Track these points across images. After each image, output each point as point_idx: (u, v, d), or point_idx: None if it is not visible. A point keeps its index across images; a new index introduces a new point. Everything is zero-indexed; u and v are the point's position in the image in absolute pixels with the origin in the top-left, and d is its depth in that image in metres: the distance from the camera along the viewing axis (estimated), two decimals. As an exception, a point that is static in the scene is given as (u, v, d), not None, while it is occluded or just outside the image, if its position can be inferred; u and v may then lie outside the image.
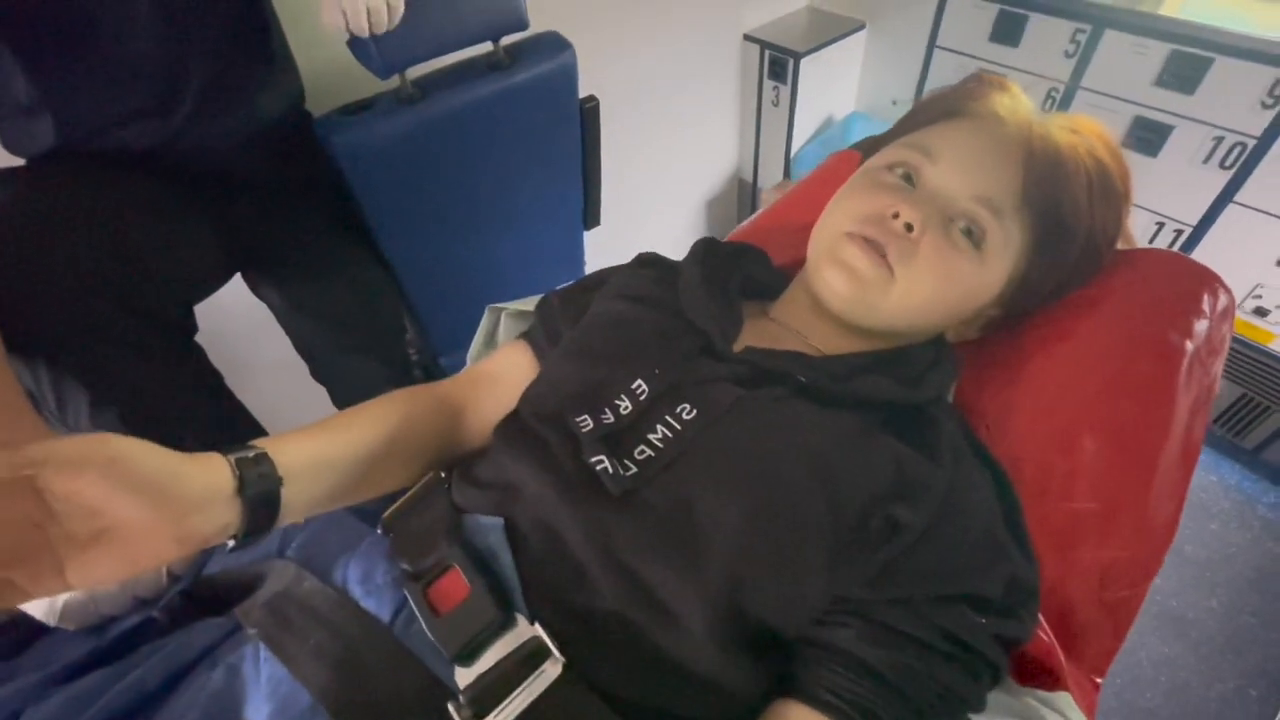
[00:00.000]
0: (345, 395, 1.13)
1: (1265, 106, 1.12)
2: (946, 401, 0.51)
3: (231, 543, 0.38)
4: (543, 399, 0.47)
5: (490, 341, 0.71)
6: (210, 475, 0.36)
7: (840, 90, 1.77)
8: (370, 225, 1.00)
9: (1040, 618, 0.41)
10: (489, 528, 0.40)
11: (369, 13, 0.75)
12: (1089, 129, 0.49)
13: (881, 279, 0.46)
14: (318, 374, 1.10)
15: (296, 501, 0.41)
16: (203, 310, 0.88)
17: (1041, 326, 0.52)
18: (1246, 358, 1.31)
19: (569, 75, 1.01)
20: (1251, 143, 1.15)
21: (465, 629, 0.36)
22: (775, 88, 1.70)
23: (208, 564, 0.50)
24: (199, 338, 0.86)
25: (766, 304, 0.57)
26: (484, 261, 1.22)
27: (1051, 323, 0.52)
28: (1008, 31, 1.39)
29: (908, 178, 0.49)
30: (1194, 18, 1.17)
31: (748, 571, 0.38)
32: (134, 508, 0.32)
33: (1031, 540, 0.42)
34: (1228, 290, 0.51)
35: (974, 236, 0.46)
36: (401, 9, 0.78)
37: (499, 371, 0.57)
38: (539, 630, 0.36)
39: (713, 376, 0.44)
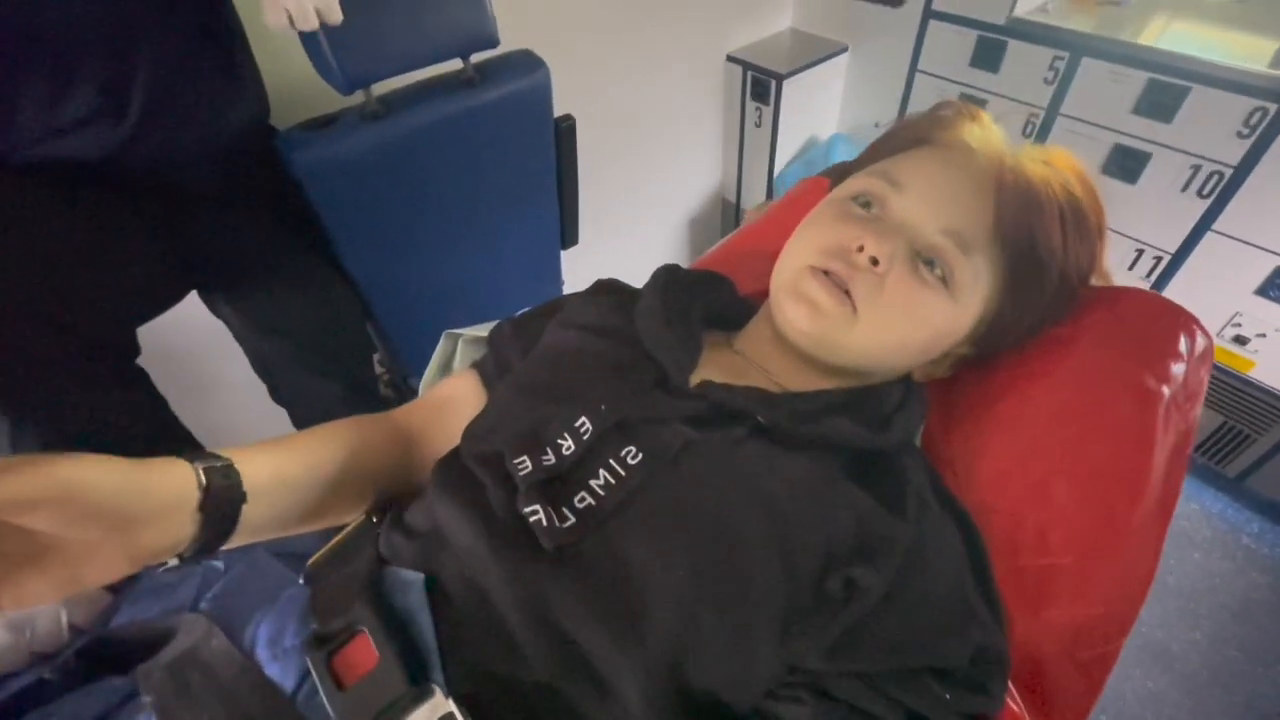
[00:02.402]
0: (307, 417, 1.10)
1: (1241, 136, 1.12)
2: (913, 446, 0.48)
3: (175, 561, 0.34)
4: (482, 437, 0.44)
5: (446, 368, 0.67)
6: (174, 484, 0.33)
7: (823, 112, 1.77)
8: (334, 243, 0.96)
9: (1010, 684, 0.38)
10: (409, 584, 0.37)
11: (319, 12, 0.72)
12: (1062, 161, 0.47)
13: (844, 316, 0.44)
14: (277, 395, 1.06)
15: (254, 521, 0.37)
16: (160, 328, 0.84)
17: (1013, 366, 0.50)
18: (1227, 386, 1.31)
19: (542, 93, 0.99)
20: (1229, 171, 1.15)
21: (370, 704, 0.33)
22: (758, 109, 1.70)
23: (116, 615, 0.46)
24: (156, 358, 0.82)
25: (731, 335, 0.54)
26: (457, 281, 1.19)
27: (1023, 363, 0.50)
28: (987, 57, 1.40)
29: (870, 207, 0.47)
30: (1172, 47, 1.18)
31: (693, 640, 0.34)
32: (87, 531, 0.29)
33: (1001, 599, 0.39)
34: (1205, 332, 0.49)
35: (941, 272, 0.44)
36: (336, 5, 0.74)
37: (448, 402, 0.54)
38: (453, 707, 0.33)
39: (665, 414, 0.41)
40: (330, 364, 1.03)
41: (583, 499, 0.37)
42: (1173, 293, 1.31)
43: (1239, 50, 1.15)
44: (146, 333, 0.87)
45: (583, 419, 0.40)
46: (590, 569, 0.36)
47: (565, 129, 1.10)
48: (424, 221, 1.04)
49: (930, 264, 0.44)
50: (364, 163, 0.89)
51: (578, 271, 1.45)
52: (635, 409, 0.41)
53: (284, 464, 0.41)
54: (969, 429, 0.49)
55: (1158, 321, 0.48)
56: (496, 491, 0.39)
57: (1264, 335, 1.22)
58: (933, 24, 1.47)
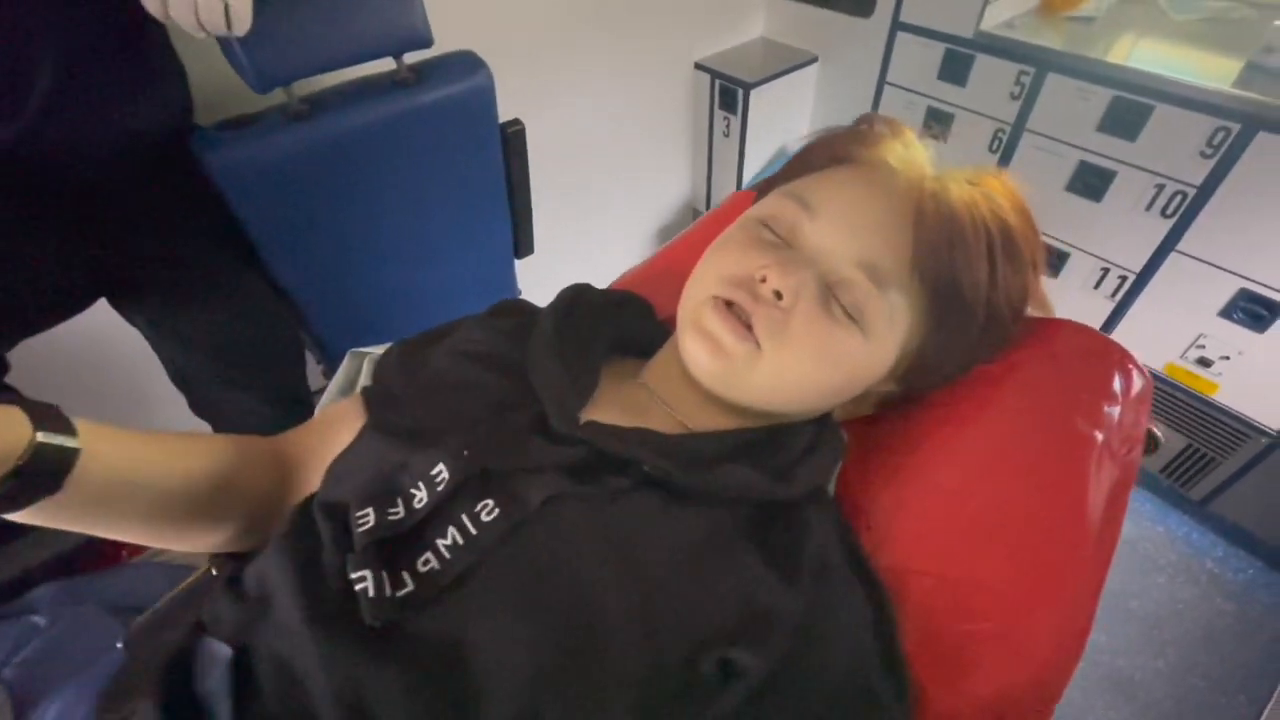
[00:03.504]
0: (231, 430, 1.03)
1: (1205, 155, 1.10)
2: (826, 495, 0.43)
3: None
4: (334, 481, 0.39)
5: (350, 390, 0.62)
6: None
7: (792, 122, 1.74)
8: (260, 250, 0.91)
9: (920, 771, 0.34)
10: (216, 663, 0.32)
11: (228, 10, 0.67)
12: (994, 185, 0.43)
13: (747, 354, 0.39)
14: (197, 407, 1.00)
15: (84, 491, 0.34)
16: (82, 336, 0.78)
17: (935, 407, 0.46)
18: (1191, 409, 1.29)
19: (484, 96, 0.94)
20: (1192, 191, 1.13)
21: None
22: (726, 118, 1.67)
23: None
24: (80, 368, 0.76)
25: (642, 364, 0.50)
26: (401, 292, 1.14)
27: (949, 403, 0.45)
28: (954, 71, 1.37)
29: (775, 233, 0.42)
30: (1139, 64, 1.16)
31: None
32: None
33: (910, 676, 0.35)
34: (1143, 372, 0.45)
35: (852, 309, 0.40)
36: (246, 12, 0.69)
37: (329, 431, 0.49)
38: None
39: (539, 462, 0.37)
40: (253, 375, 0.97)
41: (427, 562, 0.33)
42: (1137, 313, 1.29)
43: (1204, 69, 1.13)
44: (69, 341, 0.81)
45: (440, 467, 0.35)
46: (420, 651, 0.31)
47: (513, 134, 1.05)
48: (361, 228, 0.98)
49: (841, 299, 0.40)
50: (288, 165, 0.83)
51: (542, 282, 1.40)
52: (504, 455, 0.36)
53: (138, 450, 0.38)
54: (887, 478, 0.45)
55: (1091, 360, 0.44)
56: (331, 550, 0.34)
57: (1227, 358, 1.20)
58: (901, 36, 1.44)
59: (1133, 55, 1.22)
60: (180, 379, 0.96)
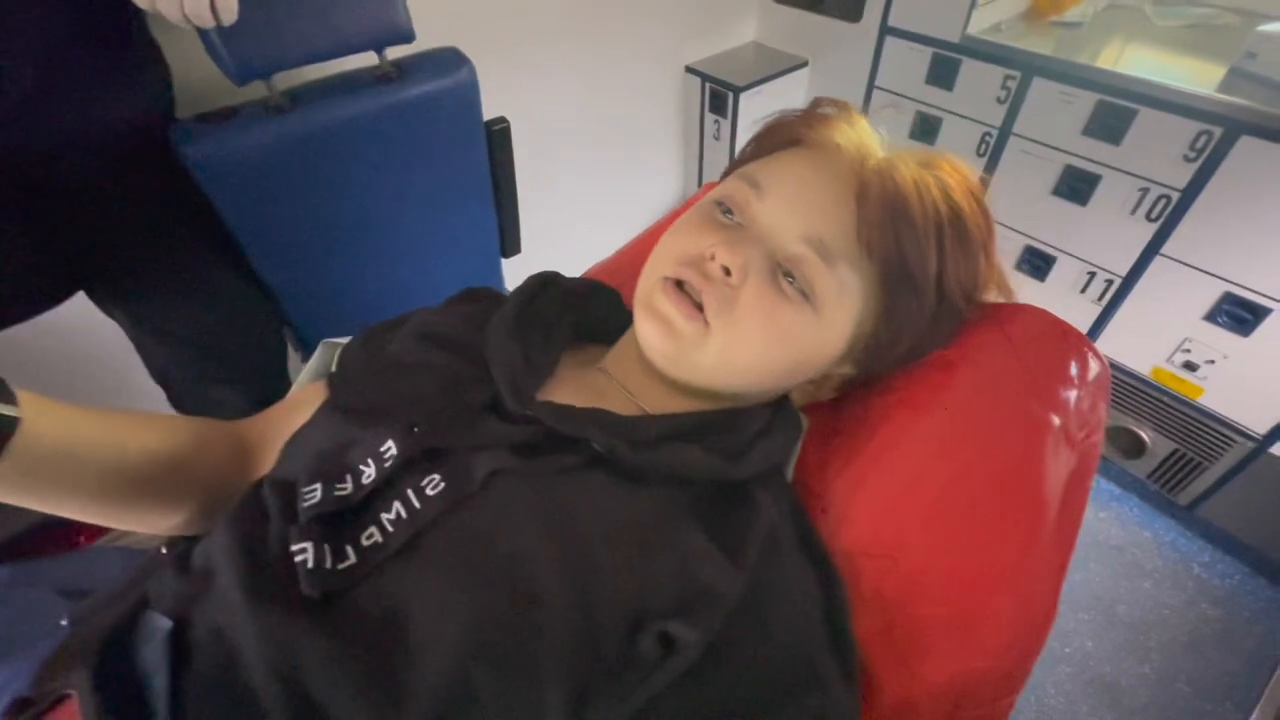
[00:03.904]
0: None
1: (1188, 159, 1.10)
2: (782, 479, 0.43)
3: None
4: (286, 459, 0.39)
5: (319, 378, 0.62)
6: None
7: (783, 126, 1.74)
8: (241, 244, 0.91)
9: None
10: (154, 635, 0.31)
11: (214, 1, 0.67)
12: (946, 167, 0.43)
13: (696, 332, 0.39)
14: (177, 403, 0.99)
15: (12, 477, 0.34)
16: (59, 330, 0.78)
17: (891, 392, 0.45)
18: (1177, 413, 1.28)
19: (467, 93, 0.95)
20: (1176, 195, 1.13)
21: None
22: (716, 121, 1.68)
23: None
24: (58, 360, 0.76)
25: (605, 351, 0.50)
26: (386, 289, 1.14)
27: (906, 386, 0.45)
28: (942, 75, 1.38)
29: (731, 214, 0.42)
30: (1125, 69, 1.17)
31: (464, 709, 0.29)
32: None
33: (861, 659, 0.34)
34: (1099, 357, 0.45)
35: (802, 285, 0.40)
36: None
37: (290, 415, 0.49)
38: None
39: (490, 440, 0.37)
40: (234, 371, 0.97)
41: (370, 535, 0.32)
42: (1123, 317, 1.29)
43: (1188, 74, 1.14)
44: (47, 334, 0.81)
45: (389, 443, 0.35)
46: (358, 622, 0.31)
47: (498, 132, 1.05)
48: (343, 225, 0.98)
49: (791, 276, 0.40)
50: (268, 159, 0.83)
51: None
52: (454, 433, 0.36)
53: (85, 424, 0.37)
54: (844, 462, 0.44)
55: (1047, 344, 0.44)
56: (278, 524, 0.34)
57: (1213, 362, 1.20)
58: (889, 40, 1.45)
59: (1119, 61, 1.22)
60: (160, 375, 0.96)
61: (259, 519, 0.35)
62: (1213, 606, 1.30)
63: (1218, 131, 1.06)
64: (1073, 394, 0.42)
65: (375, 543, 0.32)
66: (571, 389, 0.44)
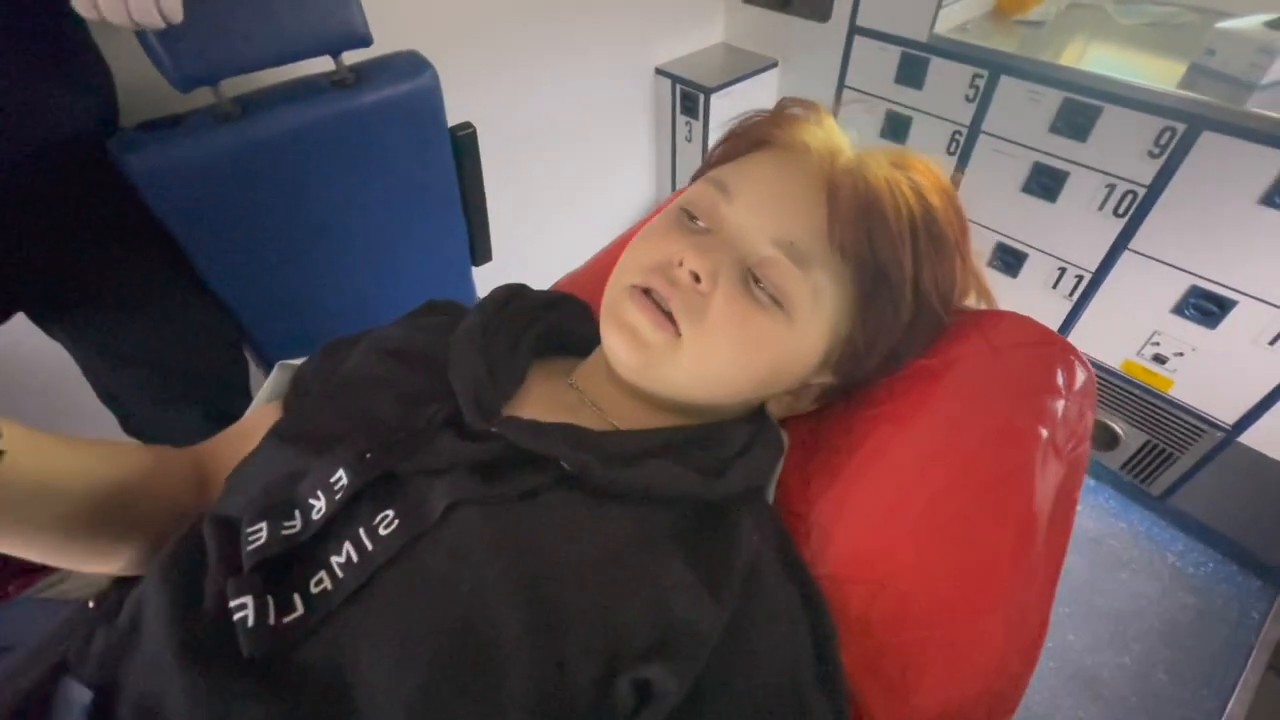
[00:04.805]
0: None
1: (1153, 155, 1.11)
2: (764, 500, 0.41)
3: None
4: (230, 492, 0.36)
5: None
6: None
7: (755, 127, 1.74)
8: (192, 259, 0.86)
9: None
10: (71, 708, 0.28)
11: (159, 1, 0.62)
12: (918, 166, 0.41)
13: (666, 342, 0.37)
14: (129, 426, 0.94)
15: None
16: None
17: (874, 405, 0.44)
18: (1148, 405, 1.30)
19: (429, 98, 0.91)
20: (1142, 191, 1.15)
21: None
22: (688, 123, 1.66)
23: None
24: None
25: (575, 365, 0.47)
26: (351, 300, 1.10)
27: (890, 399, 0.44)
28: (911, 74, 1.38)
29: (697, 220, 0.40)
30: (1088, 67, 1.18)
31: None
32: None
33: (851, 692, 0.32)
34: (1085, 365, 0.43)
35: (771, 289, 0.38)
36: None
37: (243, 441, 0.45)
38: None
39: (448, 461, 0.34)
40: (191, 392, 0.92)
41: (319, 581, 0.30)
42: (1094, 312, 1.31)
43: (1150, 72, 1.15)
44: None
45: (339, 472, 0.32)
46: (303, 682, 0.28)
47: (464, 138, 1.02)
48: (302, 236, 0.94)
49: (761, 281, 0.38)
50: (217, 169, 0.79)
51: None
52: (409, 455, 0.34)
53: (54, 454, 0.35)
54: (827, 480, 0.43)
55: (1032, 353, 0.43)
56: (216, 572, 0.30)
57: (1181, 354, 1.22)
58: (858, 40, 1.45)
59: (1081, 58, 1.24)
60: (109, 397, 0.91)
61: (196, 563, 0.32)
62: (1188, 595, 1.32)
63: (1181, 128, 1.07)
64: (1060, 404, 0.40)
65: (324, 590, 0.30)
66: (539, 404, 0.41)
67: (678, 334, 0.37)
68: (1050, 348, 0.43)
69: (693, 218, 0.41)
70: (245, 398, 1.04)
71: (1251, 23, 1.09)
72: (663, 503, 0.36)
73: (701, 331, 0.37)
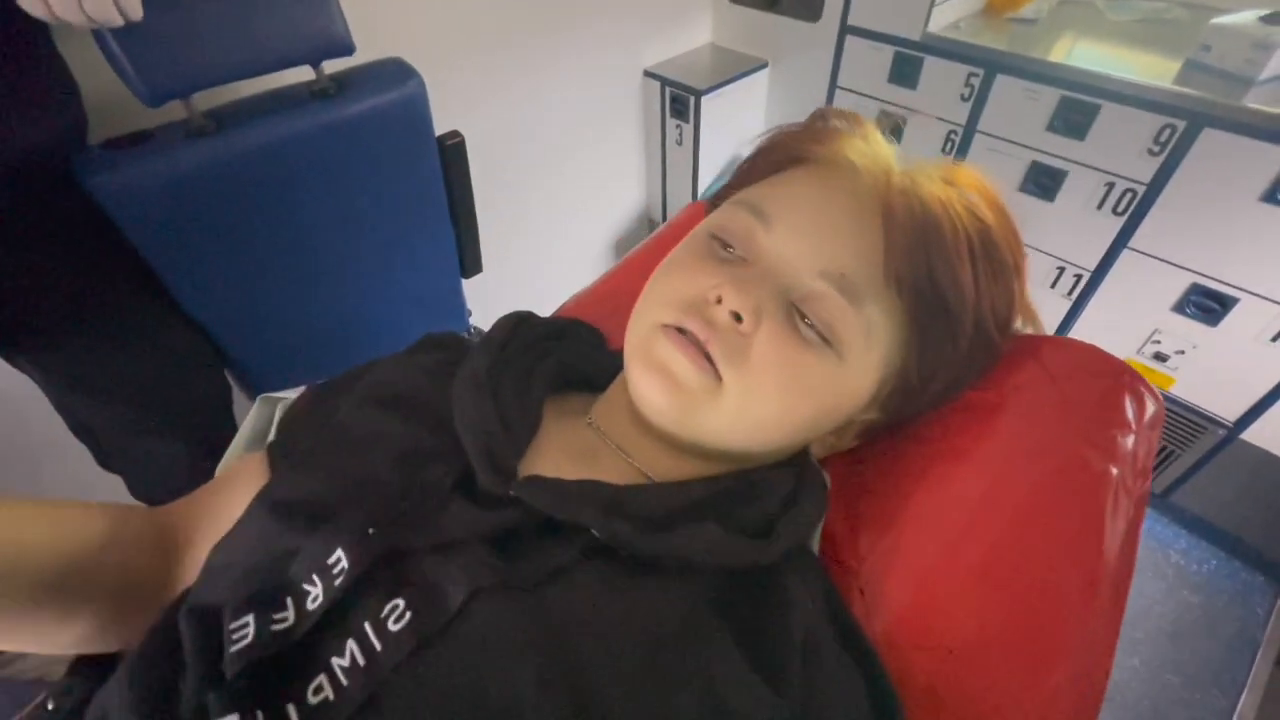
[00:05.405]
0: (147, 485, 0.93)
1: (1152, 153, 1.10)
2: (810, 555, 0.38)
3: None
4: (211, 574, 0.31)
5: (258, 442, 0.53)
6: None
7: (745, 128, 1.71)
8: (165, 281, 0.81)
9: None
10: None
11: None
12: (968, 181, 0.38)
13: (707, 388, 0.34)
14: (106, 461, 0.89)
15: None
16: None
17: (926, 443, 0.40)
18: (1150, 404, 1.29)
19: (416, 107, 0.87)
20: (1141, 189, 1.14)
21: None
22: (678, 126, 1.63)
23: None
24: None
25: (591, 399, 0.44)
26: (338, 321, 1.04)
27: (939, 437, 0.40)
28: (905, 73, 1.36)
29: (732, 248, 0.37)
30: (1081, 64, 1.17)
31: None
32: None
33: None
34: (1155, 395, 0.40)
35: (819, 326, 0.34)
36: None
37: (222, 497, 0.41)
38: None
39: (460, 533, 0.30)
40: (171, 423, 0.87)
41: (319, 689, 0.25)
42: (1094, 310, 1.30)
43: (1143, 68, 1.14)
44: None
45: (338, 553, 0.28)
46: None
47: (452, 147, 0.98)
48: (283, 254, 0.89)
49: (808, 317, 0.34)
50: (190, 187, 0.74)
51: (494, 302, 1.34)
52: (416, 529, 0.30)
53: (28, 521, 0.32)
54: (878, 527, 0.39)
55: (1098, 383, 0.40)
56: (195, 677, 0.26)
57: (1182, 352, 1.22)
58: (850, 40, 1.43)
59: (1072, 55, 1.23)
60: (82, 430, 0.85)
61: (171, 665, 0.28)
62: (1192, 593, 1.32)
63: (1181, 125, 1.06)
64: (1130, 439, 0.38)
65: (325, 700, 0.25)
66: (558, 452, 0.38)
67: (719, 379, 0.34)
68: (1118, 378, 0.40)
69: (725, 245, 0.37)
70: (230, 425, 0.99)
71: (1246, 18, 1.08)
72: (703, 571, 0.32)
73: (744, 374, 0.34)
